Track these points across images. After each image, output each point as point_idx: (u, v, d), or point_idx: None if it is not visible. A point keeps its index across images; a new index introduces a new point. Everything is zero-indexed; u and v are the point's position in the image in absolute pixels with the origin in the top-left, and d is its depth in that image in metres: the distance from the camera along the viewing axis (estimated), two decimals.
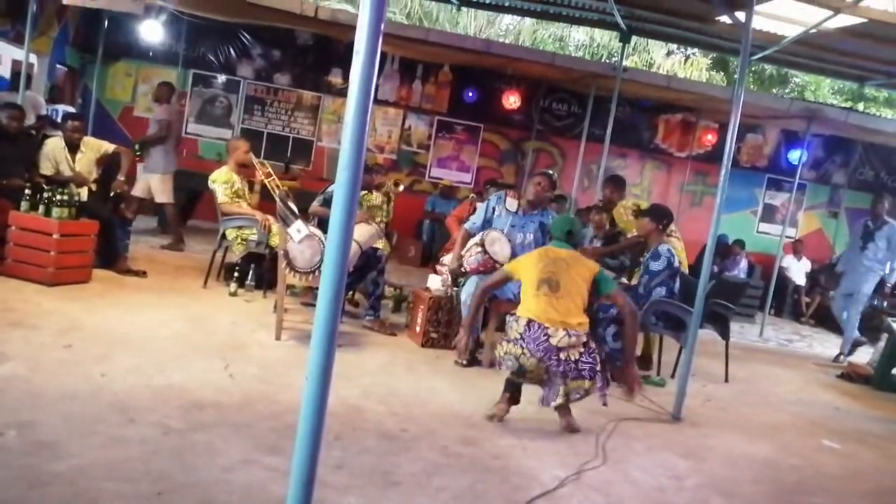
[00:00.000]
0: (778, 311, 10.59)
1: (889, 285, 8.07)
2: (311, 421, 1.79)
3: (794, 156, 10.95)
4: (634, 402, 4.50)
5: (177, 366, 3.93)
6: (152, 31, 9.54)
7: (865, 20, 5.83)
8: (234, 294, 5.87)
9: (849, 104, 15.40)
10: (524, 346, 3.72)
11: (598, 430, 3.99)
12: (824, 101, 15.27)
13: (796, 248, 11.20)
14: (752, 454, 4.13)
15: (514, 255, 4.97)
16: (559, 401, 3.78)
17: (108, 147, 6.28)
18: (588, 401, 3.89)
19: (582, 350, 3.75)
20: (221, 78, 10.51)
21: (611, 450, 3.73)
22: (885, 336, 6.86)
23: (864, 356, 7.50)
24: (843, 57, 7.51)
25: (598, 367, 3.79)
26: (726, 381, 5.80)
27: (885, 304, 9.54)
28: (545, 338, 3.70)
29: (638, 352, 5.66)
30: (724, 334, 5.95)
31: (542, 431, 3.85)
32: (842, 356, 7.60)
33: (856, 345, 7.79)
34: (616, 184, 6.67)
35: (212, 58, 10.41)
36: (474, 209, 6.70)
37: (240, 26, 10.08)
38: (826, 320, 9.78)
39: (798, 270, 11.01)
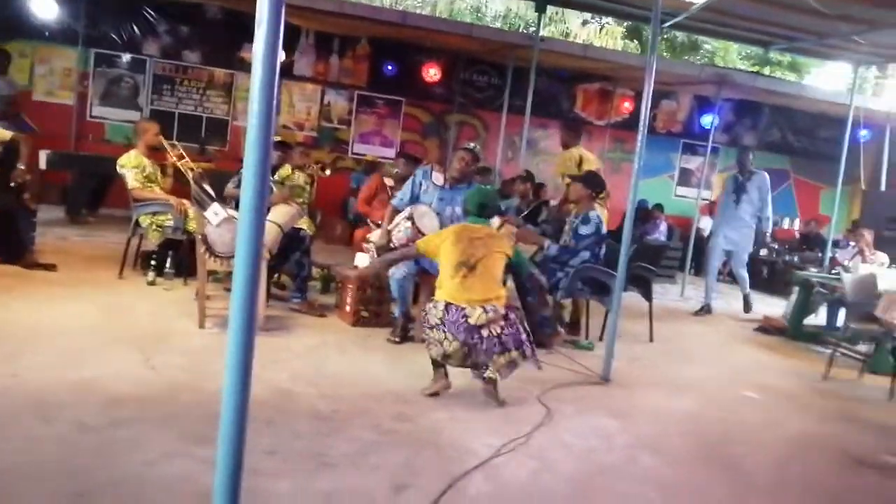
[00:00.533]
0: (697, 270, 10.98)
1: (768, 234, 8.08)
2: (234, 408, 1.73)
3: (707, 120, 11.34)
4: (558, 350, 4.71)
5: (94, 360, 3.75)
6: (46, 8, 8.96)
7: None
8: (152, 283, 5.64)
9: (756, 69, 15.98)
10: (445, 330, 3.74)
11: (530, 396, 4.05)
12: (733, 66, 15.80)
13: (712, 209, 11.59)
14: (677, 409, 4.28)
15: (442, 229, 4.95)
16: (490, 374, 3.78)
17: (5, 134, 5.88)
18: (521, 369, 3.92)
19: (503, 323, 3.78)
20: (126, 57, 9.98)
21: (543, 415, 3.79)
22: (796, 289, 7.21)
23: (778, 310, 7.88)
24: (748, 23, 7.74)
25: (522, 336, 3.83)
26: (651, 340, 5.99)
27: (797, 258, 10.03)
28: (464, 319, 3.72)
29: (567, 317, 5.80)
30: (648, 296, 6.13)
31: (475, 403, 3.87)
32: (749, 305, 7.75)
33: (705, 310, 7.67)
34: (570, 129, 7.24)
35: (114, 36, 9.85)
36: (380, 185, 6.63)
37: (143, 2, 9.60)
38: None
39: None
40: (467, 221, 4.26)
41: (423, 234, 4.92)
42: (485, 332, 3.73)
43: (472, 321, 3.72)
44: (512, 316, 3.86)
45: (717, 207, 8.04)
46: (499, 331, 3.75)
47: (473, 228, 4.11)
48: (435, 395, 3.86)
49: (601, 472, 3.22)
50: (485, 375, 3.80)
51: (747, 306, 7.80)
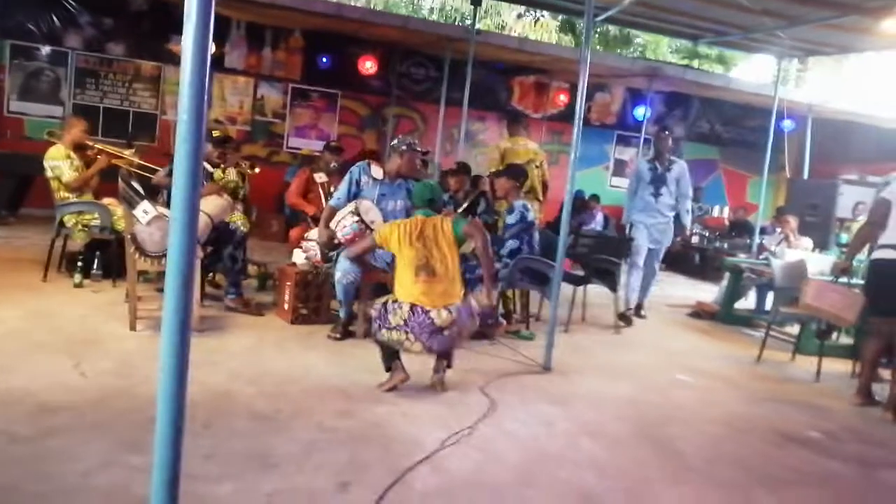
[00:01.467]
0: None
1: (688, 228, 7.30)
2: (170, 412, 1.68)
3: (639, 112, 11.62)
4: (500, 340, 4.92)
5: (19, 368, 3.58)
6: None
7: None
8: (79, 285, 5.41)
9: (685, 62, 16.43)
10: (408, 331, 3.75)
11: (473, 387, 4.08)
12: (664, 59, 16.20)
13: None
14: (615, 395, 4.37)
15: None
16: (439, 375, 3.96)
17: None
18: (464, 361, 3.96)
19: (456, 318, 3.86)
20: (46, 49, 9.53)
21: (487, 406, 3.81)
22: (727, 275, 7.46)
23: (710, 295, 8.13)
24: (678, 17, 7.97)
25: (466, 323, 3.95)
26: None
27: (727, 245, 10.38)
28: (430, 321, 3.76)
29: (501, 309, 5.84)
30: (613, 287, 6.28)
31: (419, 396, 3.86)
32: (641, 310, 6.97)
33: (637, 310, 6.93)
34: (511, 119, 7.56)
35: (32, 27, 9.38)
36: (310, 179, 6.47)
37: None
38: (675, 263, 10.50)
39: None
40: (418, 215, 4.19)
41: (371, 230, 4.82)
42: (446, 332, 3.80)
43: (437, 323, 3.76)
44: (464, 312, 3.92)
45: (628, 194, 7.10)
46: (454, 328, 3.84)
47: (423, 220, 4.05)
48: (393, 389, 3.85)
49: (544, 460, 3.26)
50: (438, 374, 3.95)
51: (638, 309, 6.92)
